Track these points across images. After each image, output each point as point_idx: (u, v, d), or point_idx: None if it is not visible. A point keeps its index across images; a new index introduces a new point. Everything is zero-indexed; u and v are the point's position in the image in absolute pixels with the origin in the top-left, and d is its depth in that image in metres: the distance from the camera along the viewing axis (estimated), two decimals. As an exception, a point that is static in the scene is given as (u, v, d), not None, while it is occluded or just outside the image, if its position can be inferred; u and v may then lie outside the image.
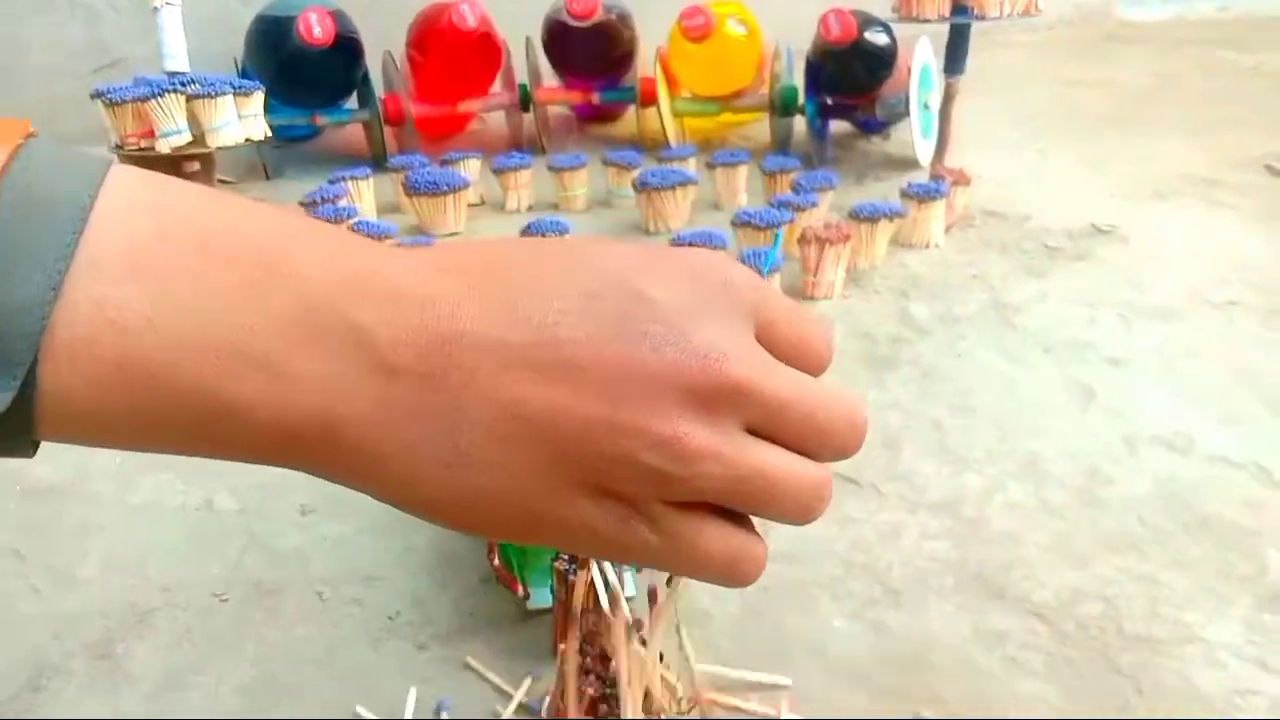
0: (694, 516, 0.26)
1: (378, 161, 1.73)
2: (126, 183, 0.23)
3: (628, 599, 0.68)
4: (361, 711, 0.67)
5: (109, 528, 0.88)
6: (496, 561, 0.73)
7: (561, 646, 0.61)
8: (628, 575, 0.74)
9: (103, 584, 0.81)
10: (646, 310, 0.25)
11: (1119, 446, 0.95)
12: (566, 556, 0.70)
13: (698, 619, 0.75)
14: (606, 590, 0.64)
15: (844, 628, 0.74)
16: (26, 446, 0.23)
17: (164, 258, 0.23)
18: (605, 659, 0.58)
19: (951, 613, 0.75)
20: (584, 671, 0.58)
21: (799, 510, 0.27)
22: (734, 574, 0.27)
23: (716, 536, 0.27)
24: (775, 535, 0.82)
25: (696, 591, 0.77)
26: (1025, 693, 0.68)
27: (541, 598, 0.74)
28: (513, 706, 0.67)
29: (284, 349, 0.23)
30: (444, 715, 0.67)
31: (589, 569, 0.67)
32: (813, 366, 0.28)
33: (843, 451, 0.28)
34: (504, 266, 0.26)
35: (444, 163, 1.61)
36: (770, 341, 0.27)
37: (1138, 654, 0.72)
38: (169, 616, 0.77)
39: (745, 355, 0.26)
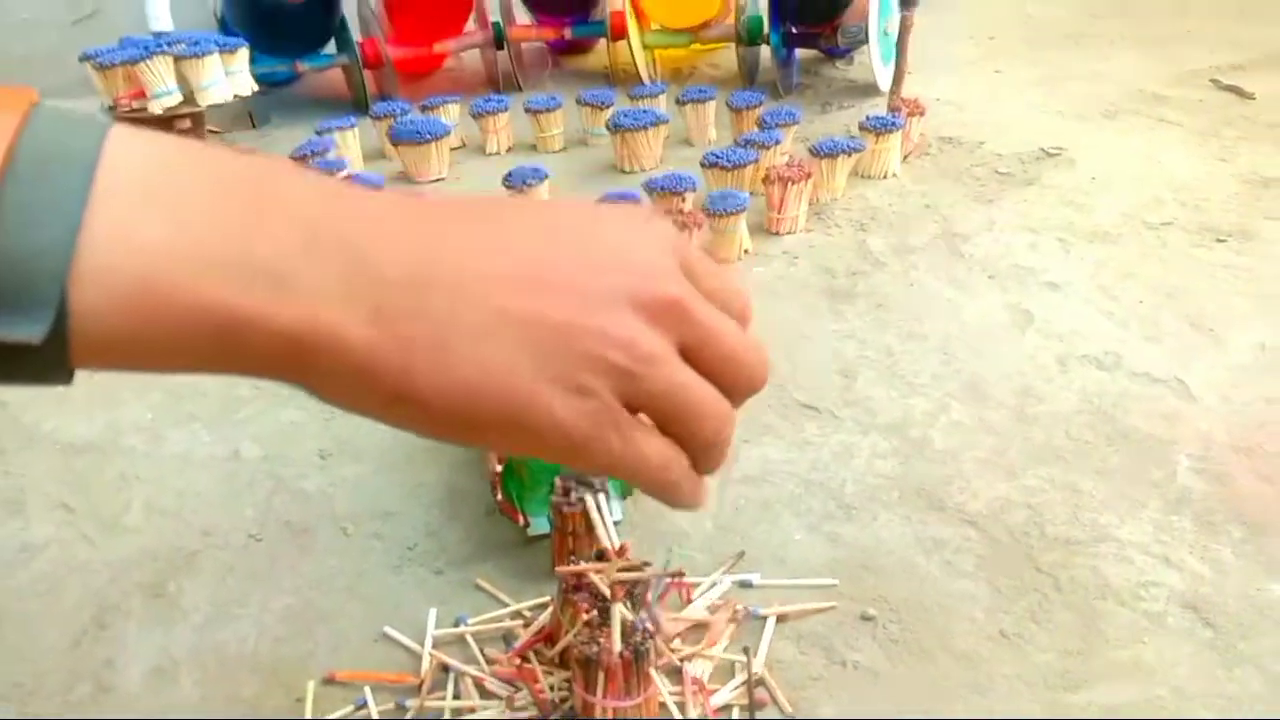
0: (650, 431, 0.31)
1: (358, 105, 1.79)
2: (126, 134, 0.26)
3: (615, 523, 0.78)
4: (390, 631, 0.78)
5: (146, 479, 0.97)
6: (499, 495, 0.83)
7: (559, 567, 0.71)
8: (615, 503, 0.85)
9: (148, 530, 0.91)
10: (597, 241, 0.31)
11: (1052, 366, 1.05)
12: (561, 490, 0.80)
13: (677, 538, 0.86)
14: (599, 517, 0.74)
15: (803, 539, 0.85)
16: (64, 374, 0.25)
17: (171, 190, 0.25)
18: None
19: (896, 524, 0.86)
20: (578, 589, 0.69)
21: (711, 435, 0.32)
22: (674, 493, 0.33)
23: (663, 450, 0.32)
24: (744, 460, 0.93)
25: (675, 515, 0.88)
26: (958, 591, 0.79)
27: (540, 525, 0.85)
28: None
29: (286, 263, 0.26)
30: (463, 627, 0.78)
31: (582, 501, 0.77)
32: (731, 313, 0.33)
33: (751, 386, 0.33)
34: (466, 211, 0.31)
35: (425, 109, 1.66)
36: (693, 280, 0.32)
37: (1057, 554, 0.83)
38: (211, 556, 0.87)
39: (678, 277, 0.31)
